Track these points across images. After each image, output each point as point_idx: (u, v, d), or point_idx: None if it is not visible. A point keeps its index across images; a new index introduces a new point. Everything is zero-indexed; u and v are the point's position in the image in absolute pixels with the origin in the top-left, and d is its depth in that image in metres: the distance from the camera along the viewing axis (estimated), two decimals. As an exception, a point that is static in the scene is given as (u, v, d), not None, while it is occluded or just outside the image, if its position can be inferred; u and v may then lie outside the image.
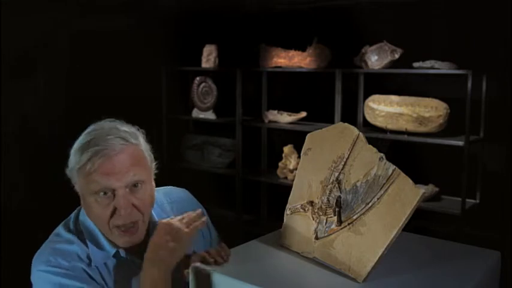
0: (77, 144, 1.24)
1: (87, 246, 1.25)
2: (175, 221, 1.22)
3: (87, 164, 1.19)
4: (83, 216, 1.29)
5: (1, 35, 2.91)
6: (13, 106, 3.03)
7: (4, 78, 2.97)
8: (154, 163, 1.32)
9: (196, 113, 3.83)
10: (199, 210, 1.27)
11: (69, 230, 1.28)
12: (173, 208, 1.42)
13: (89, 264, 1.23)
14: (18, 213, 3.02)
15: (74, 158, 1.23)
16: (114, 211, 1.21)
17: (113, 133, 1.22)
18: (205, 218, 1.25)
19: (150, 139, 1.32)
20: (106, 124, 1.26)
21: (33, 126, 3.14)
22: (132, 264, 1.29)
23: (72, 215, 1.33)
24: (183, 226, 1.20)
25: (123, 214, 1.21)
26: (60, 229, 1.30)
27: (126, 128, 1.27)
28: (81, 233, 1.27)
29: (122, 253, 1.27)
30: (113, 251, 1.26)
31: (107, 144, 1.20)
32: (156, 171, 1.32)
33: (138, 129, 1.30)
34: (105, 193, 1.20)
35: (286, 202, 1.31)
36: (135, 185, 1.23)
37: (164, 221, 1.22)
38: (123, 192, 1.21)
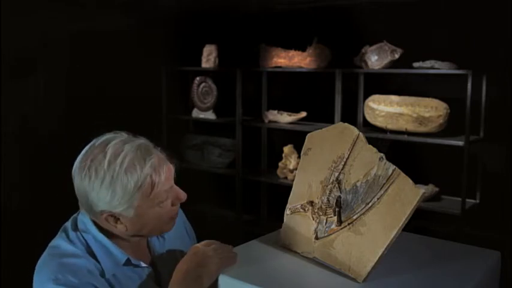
0: (111, 171, 1.14)
1: (94, 257, 1.19)
2: (210, 248, 1.17)
3: (152, 178, 1.17)
4: (84, 226, 1.23)
5: (1, 35, 2.91)
6: (13, 106, 3.03)
7: (4, 78, 2.97)
8: None
9: (196, 113, 3.83)
10: (230, 246, 1.22)
11: (70, 242, 1.21)
12: None
13: (101, 276, 1.18)
14: (18, 213, 3.02)
15: (121, 187, 1.14)
16: (171, 204, 1.25)
17: (136, 139, 1.22)
18: (236, 257, 1.19)
19: (150, 139, 1.32)
20: (120, 137, 1.21)
21: (33, 126, 3.14)
22: (143, 270, 1.27)
23: (69, 225, 1.25)
24: (215, 255, 1.15)
25: (184, 197, 1.26)
26: (59, 241, 1.22)
27: (123, 136, 1.24)
28: (85, 244, 1.21)
29: (133, 260, 1.24)
30: (124, 257, 1.22)
31: (152, 150, 1.21)
32: None
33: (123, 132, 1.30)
34: (168, 197, 1.23)
35: (286, 202, 1.30)
36: None
37: (198, 245, 1.19)
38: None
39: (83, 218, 1.24)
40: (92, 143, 1.21)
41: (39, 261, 1.21)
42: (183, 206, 1.33)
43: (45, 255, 1.21)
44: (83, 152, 1.20)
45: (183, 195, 1.26)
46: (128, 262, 1.23)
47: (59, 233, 1.26)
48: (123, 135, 1.22)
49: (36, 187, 3.10)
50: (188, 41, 3.81)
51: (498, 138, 2.89)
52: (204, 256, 1.15)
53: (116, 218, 1.19)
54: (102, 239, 1.22)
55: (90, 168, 1.15)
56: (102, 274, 1.18)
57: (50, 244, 1.24)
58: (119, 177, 1.14)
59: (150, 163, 1.17)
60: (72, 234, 1.23)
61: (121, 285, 1.21)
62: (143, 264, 1.27)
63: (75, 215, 1.28)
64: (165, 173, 1.20)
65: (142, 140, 1.23)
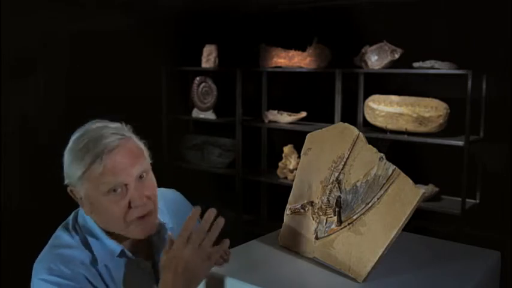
0: (72, 151, 1.21)
1: (89, 249, 1.23)
2: (194, 247, 1.08)
3: (92, 167, 1.17)
4: (83, 219, 1.27)
5: (1, 35, 2.91)
6: (13, 106, 3.03)
7: (4, 78, 2.97)
8: (149, 154, 1.31)
9: (196, 113, 3.83)
10: (225, 246, 1.13)
11: (69, 234, 1.26)
12: (168, 209, 1.41)
13: (94, 266, 1.21)
14: (18, 213, 3.02)
15: (73, 165, 1.20)
16: (128, 205, 1.20)
17: (105, 131, 1.21)
18: (228, 257, 1.14)
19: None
20: (94, 125, 1.24)
21: (33, 126, 3.14)
22: (139, 264, 1.28)
23: (71, 217, 1.31)
24: (206, 256, 1.09)
25: (140, 204, 1.21)
26: (60, 232, 1.27)
27: (114, 124, 1.27)
28: (82, 236, 1.25)
29: (128, 252, 1.26)
30: (118, 248, 1.24)
31: (106, 142, 1.18)
32: (151, 161, 1.30)
33: (126, 125, 1.30)
34: (115, 190, 1.19)
35: (286, 202, 1.30)
36: (141, 176, 1.23)
37: (184, 250, 1.09)
38: (134, 184, 1.20)
39: (82, 212, 1.28)
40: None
41: (42, 251, 1.25)
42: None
43: (47, 245, 1.26)
44: None
45: (138, 201, 1.20)
46: (122, 254, 1.25)
47: (62, 224, 1.30)
48: (102, 122, 1.26)
49: (36, 187, 3.10)
50: (188, 41, 3.81)
51: (498, 138, 2.89)
52: (181, 263, 1.07)
53: (75, 196, 1.24)
54: (97, 231, 1.25)
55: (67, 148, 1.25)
56: (94, 265, 1.21)
57: (54, 234, 1.28)
58: (74, 149, 1.21)
59: (100, 147, 1.17)
60: (71, 225, 1.27)
61: (112, 276, 1.23)
62: (139, 257, 1.28)
63: (78, 209, 1.31)
64: (111, 165, 1.17)
65: (115, 125, 1.25)
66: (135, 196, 1.20)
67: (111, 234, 1.25)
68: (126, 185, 1.20)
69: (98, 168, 1.17)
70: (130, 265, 1.27)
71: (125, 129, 1.27)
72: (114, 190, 1.19)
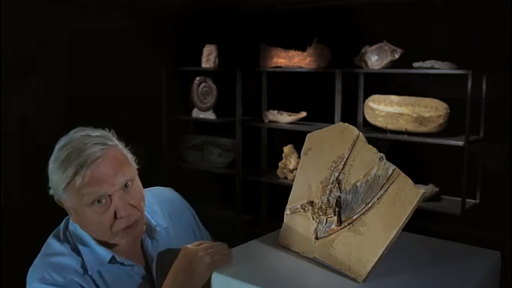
0: (54, 162, 1.20)
1: (80, 256, 1.23)
2: (200, 248, 1.16)
3: (75, 179, 1.16)
4: (73, 227, 1.26)
5: (1, 35, 2.91)
6: (13, 106, 3.03)
7: (4, 78, 2.97)
8: (134, 158, 1.29)
9: (196, 113, 3.83)
10: (225, 244, 1.20)
11: (60, 241, 1.25)
12: (163, 209, 1.41)
13: (84, 274, 1.20)
14: (18, 213, 3.02)
15: (57, 176, 1.19)
16: (114, 216, 1.20)
17: (88, 141, 1.20)
18: (230, 256, 1.18)
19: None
20: (77, 134, 1.23)
21: (33, 126, 3.14)
22: (132, 269, 1.27)
23: (62, 225, 1.30)
24: (205, 256, 1.15)
25: (125, 215, 1.20)
26: (51, 240, 1.27)
27: (97, 132, 1.25)
28: (73, 243, 1.24)
29: (119, 258, 1.25)
30: (109, 255, 1.24)
31: (89, 153, 1.17)
32: (137, 167, 1.29)
33: (109, 131, 1.28)
34: (99, 201, 1.18)
35: (286, 202, 1.30)
36: (126, 185, 1.21)
37: (189, 246, 1.18)
38: (118, 194, 1.19)
39: None
40: None
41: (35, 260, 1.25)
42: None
43: (40, 253, 1.26)
44: None
45: (123, 212, 1.20)
46: (113, 260, 1.25)
47: (53, 231, 1.30)
48: (84, 131, 1.25)
49: (36, 187, 3.09)
50: (188, 41, 3.81)
51: (498, 138, 2.89)
52: (194, 257, 1.14)
53: (63, 205, 1.24)
54: (87, 238, 1.24)
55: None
56: (86, 271, 1.21)
57: (46, 242, 1.28)
58: (57, 160, 1.20)
59: (81, 158, 1.17)
60: (62, 233, 1.27)
61: (106, 283, 1.23)
62: (131, 263, 1.27)
63: (68, 216, 1.30)
64: (93, 176, 1.17)
65: (98, 134, 1.24)
66: (120, 206, 1.19)
67: (101, 241, 1.25)
68: (110, 195, 1.19)
69: (80, 180, 1.16)
70: (123, 271, 1.26)
71: (109, 137, 1.25)
72: (99, 201, 1.18)
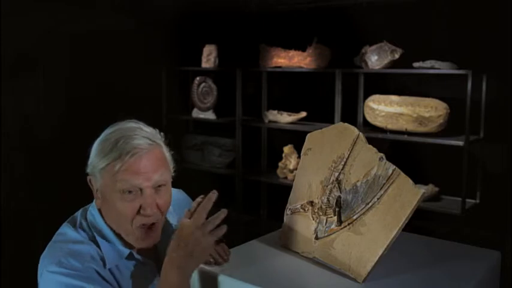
0: (101, 143, 1.22)
1: (98, 247, 1.22)
2: (195, 224, 1.13)
3: (115, 163, 1.18)
4: (93, 217, 1.26)
5: (1, 35, 2.91)
6: (13, 106, 3.03)
7: (4, 78, 2.97)
8: (173, 166, 1.31)
9: (196, 113, 3.83)
10: (222, 215, 1.16)
11: (75, 230, 1.25)
12: (175, 209, 1.42)
13: (103, 266, 1.20)
14: (18, 213, 3.02)
15: (99, 156, 1.21)
16: (138, 210, 1.20)
17: (139, 133, 1.22)
18: (225, 227, 1.16)
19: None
20: (130, 124, 1.26)
21: (33, 126, 3.14)
22: (145, 266, 1.28)
23: (78, 215, 1.29)
24: (203, 229, 1.12)
25: (149, 213, 1.20)
26: (66, 229, 1.26)
27: (148, 129, 1.27)
28: (91, 234, 1.24)
29: (136, 254, 1.26)
30: (127, 251, 1.24)
31: (136, 143, 1.19)
32: (174, 174, 1.30)
33: (159, 132, 1.31)
34: (130, 191, 1.19)
35: (286, 202, 1.31)
36: (159, 186, 1.23)
37: (184, 221, 1.14)
38: (150, 191, 1.20)
39: (93, 211, 1.27)
40: None
41: (46, 248, 1.24)
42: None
43: (52, 241, 1.25)
44: None
45: (148, 209, 1.20)
46: (130, 256, 1.25)
47: (66, 221, 1.29)
48: (138, 123, 1.27)
49: (36, 187, 3.10)
50: (188, 41, 3.81)
51: (498, 138, 2.89)
52: (193, 232, 1.11)
53: (93, 185, 1.25)
54: (107, 232, 1.24)
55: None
56: (104, 264, 1.21)
57: (57, 232, 1.27)
58: (100, 144, 1.22)
59: (128, 146, 1.18)
60: (79, 223, 1.26)
61: (123, 277, 1.23)
62: (146, 260, 1.28)
63: (86, 206, 1.31)
64: (133, 166, 1.18)
65: (149, 130, 1.26)
66: (147, 202, 1.20)
67: (119, 236, 1.24)
68: (141, 189, 1.20)
69: (119, 165, 1.18)
70: (137, 267, 1.27)
71: (158, 137, 1.27)
72: (129, 191, 1.19)
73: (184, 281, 1.11)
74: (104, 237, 1.24)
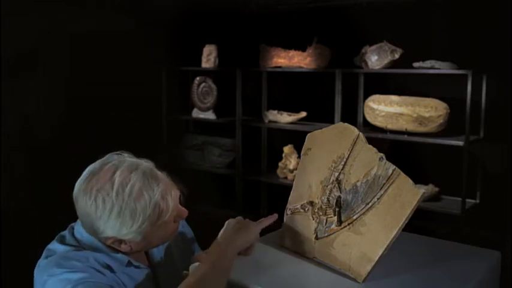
0: (120, 211, 1.13)
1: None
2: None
3: (159, 207, 1.16)
4: (80, 235, 1.21)
5: (1, 35, 2.91)
6: (13, 106, 3.03)
7: (4, 78, 2.97)
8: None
9: (196, 113, 3.83)
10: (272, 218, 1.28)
11: (67, 246, 1.19)
12: None
13: (109, 270, 1.18)
14: (18, 213, 3.02)
15: (129, 223, 1.14)
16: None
17: (140, 164, 1.20)
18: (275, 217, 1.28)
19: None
20: (123, 161, 1.20)
21: (34, 126, 3.14)
22: (143, 271, 1.27)
23: (66, 233, 1.24)
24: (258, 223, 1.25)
25: (185, 216, 1.28)
26: (55, 245, 1.20)
27: (147, 163, 1.24)
28: (82, 249, 1.20)
29: (134, 262, 1.25)
30: (125, 258, 1.22)
31: (159, 178, 1.20)
32: None
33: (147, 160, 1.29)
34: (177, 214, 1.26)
35: (286, 202, 1.31)
36: None
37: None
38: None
39: (80, 229, 1.22)
40: (94, 166, 1.18)
41: (37, 265, 1.19)
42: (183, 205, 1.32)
43: (43, 258, 1.20)
44: (86, 175, 1.16)
45: (185, 213, 1.28)
46: (129, 263, 1.24)
47: (54, 239, 1.24)
48: (126, 159, 1.20)
49: (36, 187, 3.10)
50: (188, 41, 3.81)
51: (498, 138, 2.89)
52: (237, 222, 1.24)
53: (122, 241, 1.19)
54: (100, 245, 1.20)
55: (97, 198, 1.13)
56: (110, 269, 1.18)
57: (47, 247, 1.23)
58: (128, 207, 1.13)
59: (158, 191, 1.17)
60: (68, 239, 1.22)
61: (131, 282, 1.23)
62: (142, 265, 1.28)
63: (72, 224, 1.26)
64: (172, 199, 1.20)
65: (147, 164, 1.21)
66: (181, 211, 1.26)
67: (110, 248, 1.21)
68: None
69: (165, 206, 1.18)
70: (136, 273, 1.26)
71: (151, 165, 1.24)
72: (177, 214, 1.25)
73: (218, 271, 1.13)
74: (99, 251, 1.19)
